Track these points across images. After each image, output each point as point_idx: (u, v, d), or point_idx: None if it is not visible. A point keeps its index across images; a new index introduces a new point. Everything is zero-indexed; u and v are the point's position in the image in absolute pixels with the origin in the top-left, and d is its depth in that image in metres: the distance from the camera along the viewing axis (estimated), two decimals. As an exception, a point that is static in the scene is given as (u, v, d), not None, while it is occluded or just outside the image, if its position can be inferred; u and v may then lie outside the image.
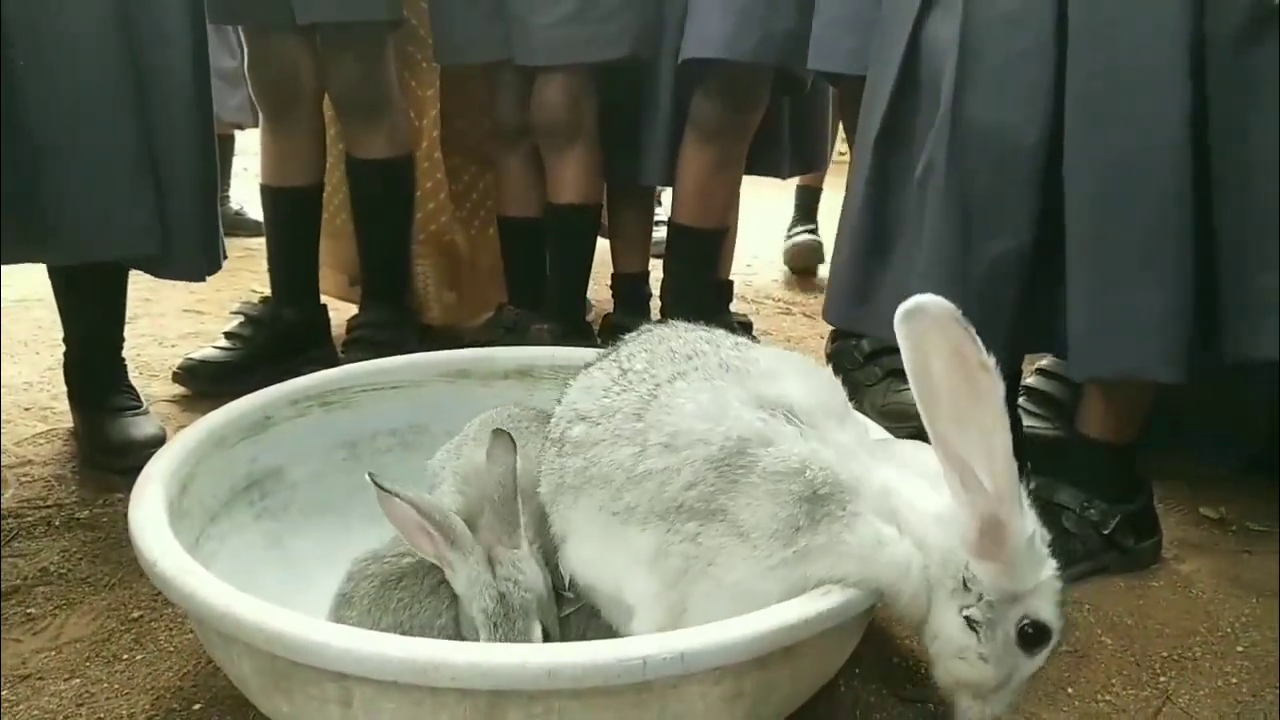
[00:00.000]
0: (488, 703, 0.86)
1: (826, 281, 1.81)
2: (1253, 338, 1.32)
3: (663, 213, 3.05)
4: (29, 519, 1.56)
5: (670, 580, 0.97)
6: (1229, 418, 1.87)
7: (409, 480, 1.11)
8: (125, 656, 1.24)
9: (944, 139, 1.46)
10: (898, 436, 1.19)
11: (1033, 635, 0.95)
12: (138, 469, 1.18)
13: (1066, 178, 1.39)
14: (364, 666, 0.85)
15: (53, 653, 1.24)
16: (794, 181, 3.35)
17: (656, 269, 2.42)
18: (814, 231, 3.50)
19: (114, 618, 1.32)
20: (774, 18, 1.95)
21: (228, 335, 2.18)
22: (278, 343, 2.16)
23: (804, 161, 2.62)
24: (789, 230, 3.56)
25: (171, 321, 2.66)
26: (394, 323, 2.27)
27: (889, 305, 0.90)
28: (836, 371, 1.12)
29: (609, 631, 1.06)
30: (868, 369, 2.06)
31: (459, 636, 1.04)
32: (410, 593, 1.08)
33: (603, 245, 2.47)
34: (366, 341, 2.19)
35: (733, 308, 2.65)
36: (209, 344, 2.19)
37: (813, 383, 1.04)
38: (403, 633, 1.04)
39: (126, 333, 1.87)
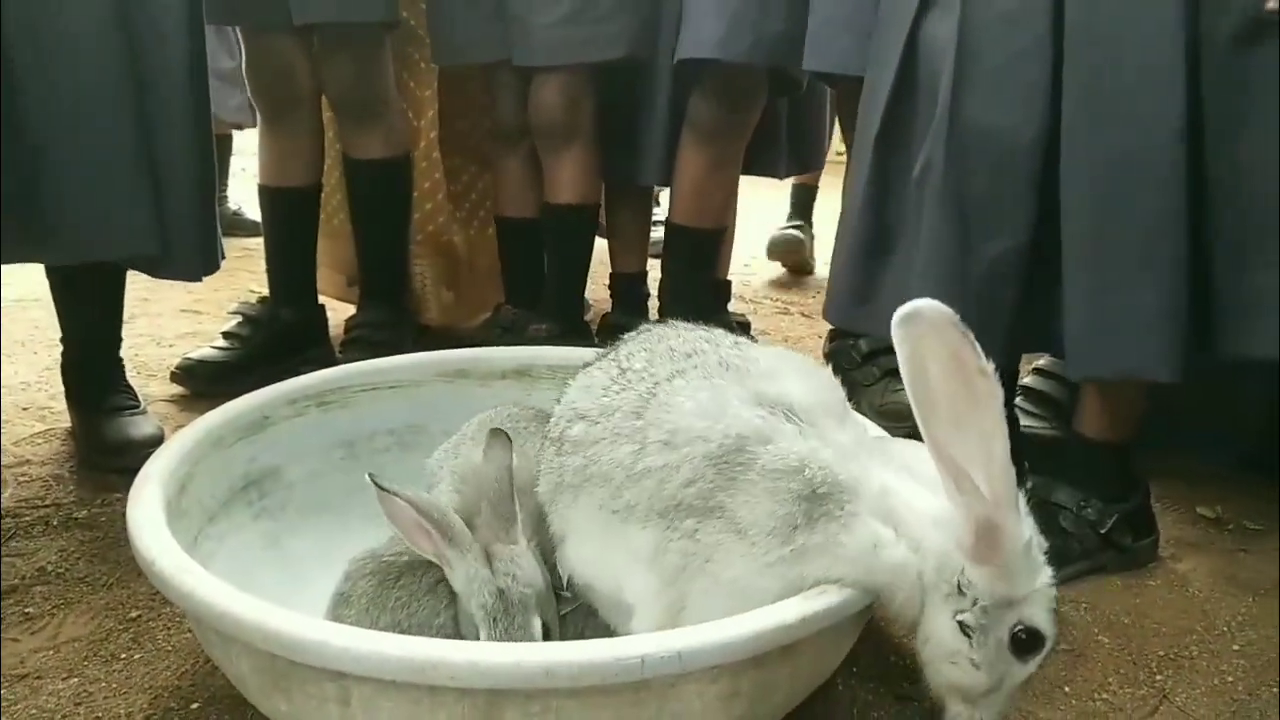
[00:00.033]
0: (486, 701, 0.86)
1: (827, 281, 1.81)
2: (1248, 337, 1.33)
3: (660, 213, 3.05)
4: (27, 518, 1.56)
5: (669, 578, 0.97)
6: (1225, 417, 1.87)
7: (407, 480, 1.11)
8: (123, 656, 1.24)
9: (941, 139, 1.46)
10: (895, 436, 1.19)
11: (1026, 641, 0.95)
12: (136, 469, 1.18)
13: (1063, 178, 1.39)
14: (362, 665, 0.85)
15: (51, 652, 1.24)
16: (790, 180, 3.35)
17: (654, 269, 2.42)
18: (801, 228, 3.49)
19: (112, 617, 1.32)
20: (767, 18, 1.95)
21: (225, 335, 2.18)
22: (276, 343, 2.16)
23: (801, 161, 2.63)
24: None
25: (169, 321, 2.66)
26: (392, 323, 2.27)
27: (889, 305, 0.90)
28: (834, 371, 1.12)
29: (607, 631, 1.07)
30: (865, 369, 2.06)
31: (457, 635, 1.04)
32: (408, 592, 1.08)
33: (601, 245, 2.47)
34: (364, 341, 2.19)
35: (730, 307, 2.65)
36: (207, 344, 2.19)
37: (812, 382, 1.04)
38: (401, 632, 1.04)
39: (124, 332, 1.87)
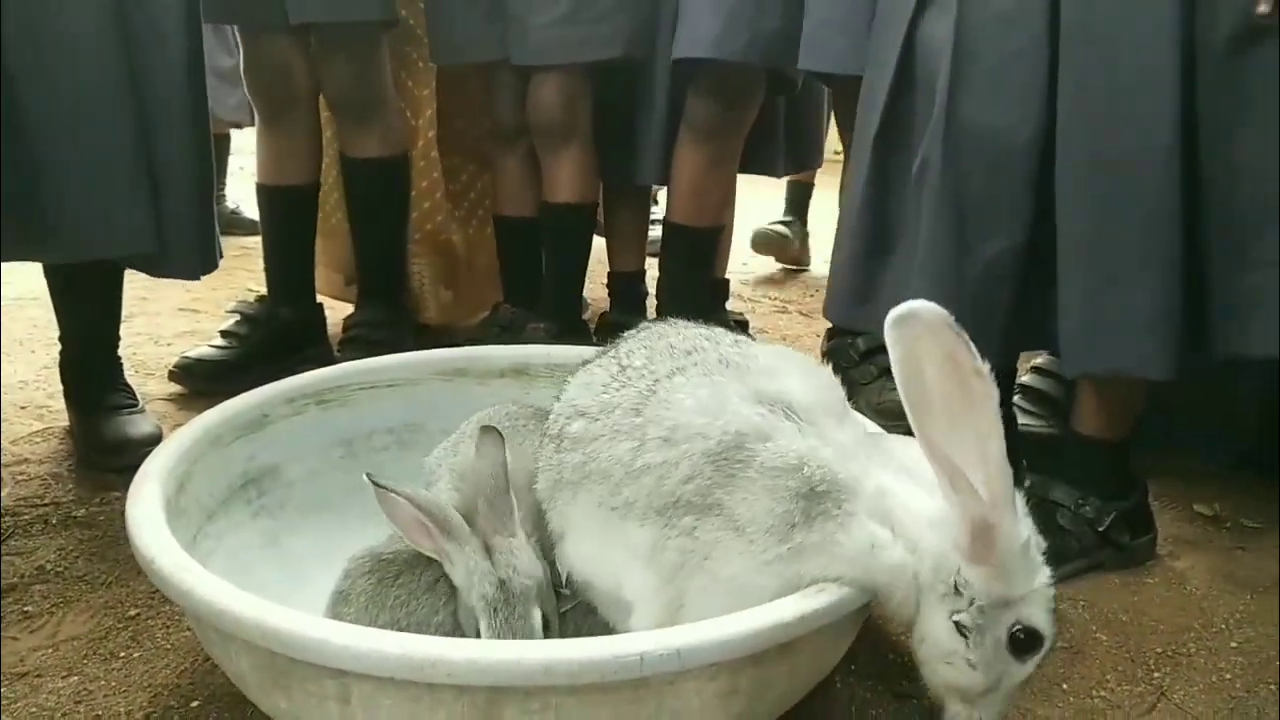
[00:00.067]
0: (485, 699, 0.86)
1: (826, 280, 1.81)
2: (1242, 336, 1.33)
3: (658, 211, 3.05)
4: (26, 517, 1.56)
5: (667, 575, 0.97)
6: (1222, 416, 1.88)
7: (405, 478, 1.11)
8: (123, 654, 1.24)
9: (938, 139, 1.46)
10: (892, 433, 1.19)
11: (1024, 641, 0.95)
12: (134, 467, 1.18)
13: (1059, 177, 1.40)
14: (362, 663, 0.85)
15: (50, 650, 1.24)
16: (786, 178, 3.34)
17: (652, 268, 2.42)
18: (791, 224, 3.48)
19: (111, 615, 1.32)
20: (763, 18, 1.95)
21: (224, 334, 2.18)
22: (274, 341, 2.16)
23: (799, 160, 2.63)
24: None
25: (167, 320, 2.66)
26: (390, 322, 2.27)
27: (889, 304, 0.90)
28: (832, 369, 1.12)
29: (605, 628, 1.07)
30: (863, 367, 2.07)
31: (456, 633, 1.04)
32: (407, 590, 1.08)
33: (599, 244, 2.47)
34: (362, 340, 2.19)
35: (728, 306, 2.66)
36: (205, 342, 2.19)
37: (812, 380, 1.04)
38: (400, 629, 1.03)
39: (122, 331, 1.87)
